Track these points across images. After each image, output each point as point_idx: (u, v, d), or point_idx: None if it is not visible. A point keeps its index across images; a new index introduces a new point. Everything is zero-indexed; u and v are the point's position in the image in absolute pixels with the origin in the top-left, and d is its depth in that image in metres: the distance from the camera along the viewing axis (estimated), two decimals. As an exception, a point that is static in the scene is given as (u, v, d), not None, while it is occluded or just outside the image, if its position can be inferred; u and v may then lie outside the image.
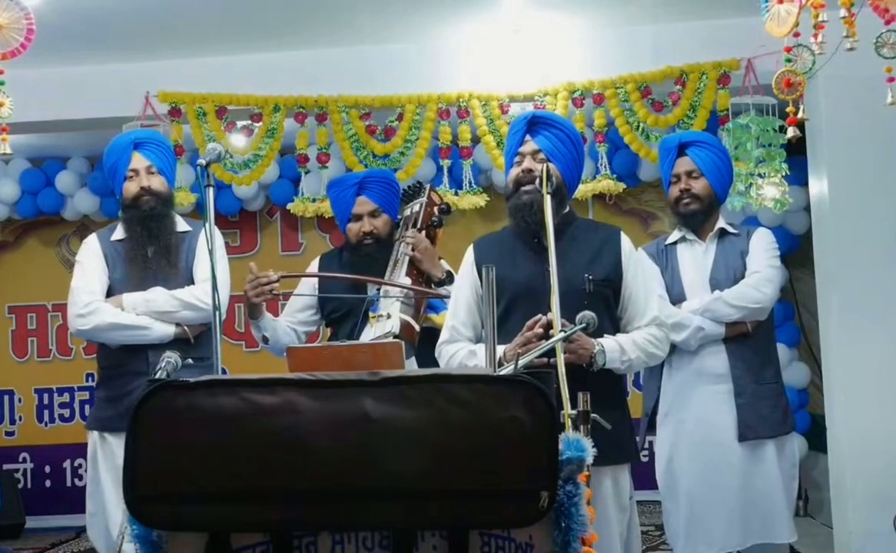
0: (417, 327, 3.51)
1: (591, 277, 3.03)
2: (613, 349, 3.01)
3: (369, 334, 3.53)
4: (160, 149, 3.86)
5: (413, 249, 3.64)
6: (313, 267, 3.94)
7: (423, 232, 3.71)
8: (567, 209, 3.17)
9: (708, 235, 3.86)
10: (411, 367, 3.51)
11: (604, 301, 3.06)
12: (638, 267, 3.18)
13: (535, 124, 3.15)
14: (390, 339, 3.28)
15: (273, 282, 3.58)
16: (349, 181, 3.95)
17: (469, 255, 3.23)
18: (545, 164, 3.01)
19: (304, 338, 3.90)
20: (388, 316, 3.46)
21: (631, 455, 3.14)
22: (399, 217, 3.90)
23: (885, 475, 4.64)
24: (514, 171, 3.13)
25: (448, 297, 3.42)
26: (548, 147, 3.11)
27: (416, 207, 3.81)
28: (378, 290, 3.60)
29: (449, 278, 3.63)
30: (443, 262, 3.75)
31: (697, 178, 3.81)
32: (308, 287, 3.91)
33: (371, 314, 3.57)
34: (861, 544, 4.72)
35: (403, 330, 3.41)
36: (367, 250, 3.80)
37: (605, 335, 3.03)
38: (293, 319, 3.87)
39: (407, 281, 3.55)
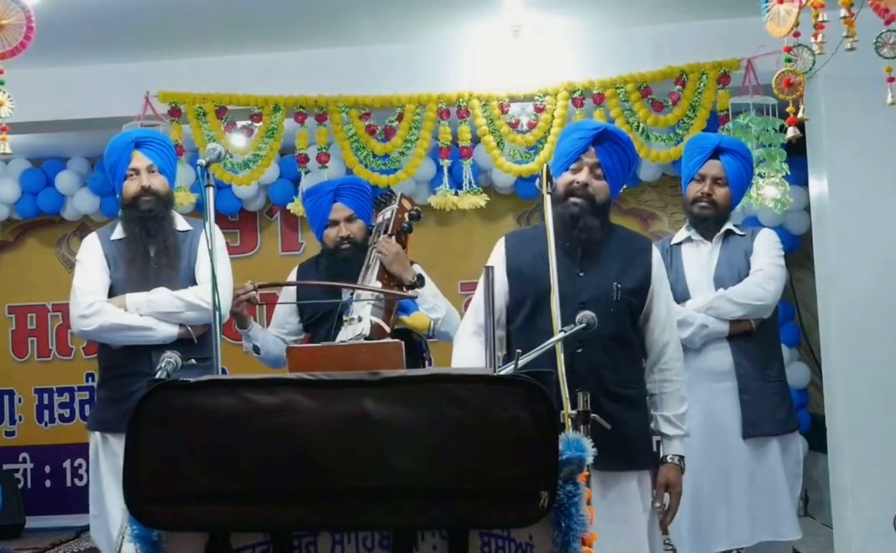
0: (388, 329, 3.56)
1: (619, 286, 3.06)
2: (679, 448, 3.11)
3: (342, 337, 3.58)
4: (162, 148, 3.84)
5: (382, 254, 3.70)
6: (292, 276, 4.14)
7: (394, 237, 3.76)
8: (608, 221, 3.20)
9: (714, 236, 3.87)
10: None
11: (629, 310, 3.11)
12: (663, 284, 3.21)
13: (604, 138, 3.13)
14: (361, 341, 3.36)
15: (250, 291, 3.78)
16: (324, 188, 4.10)
17: (500, 249, 3.23)
18: (545, 166, 3.02)
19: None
20: (360, 319, 3.51)
21: (651, 462, 3.14)
22: (372, 223, 3.99)
23: (885, 475, 4.64)
24: (568, 177, 3.10)
25: (416, 298, 3.60)
26: (608, 164, 3.12)
27: (388, 214, 3.87)
28: (351, 294, 3.67)
29: (420, 281, 3.71)
30: (415, 265, 3.83)
31: (722, 186, 3.82)
32: (288, 296, 4.11)
33: (344, 317, 3.63)
34: (861, 544, 4.71)
35: (374, 331, 3.47)
36: (345, 255, 3.94)
37: (663, 427, 3.11)
38: (281, 330, 4.05)
39: (378, 284, 3.60)
